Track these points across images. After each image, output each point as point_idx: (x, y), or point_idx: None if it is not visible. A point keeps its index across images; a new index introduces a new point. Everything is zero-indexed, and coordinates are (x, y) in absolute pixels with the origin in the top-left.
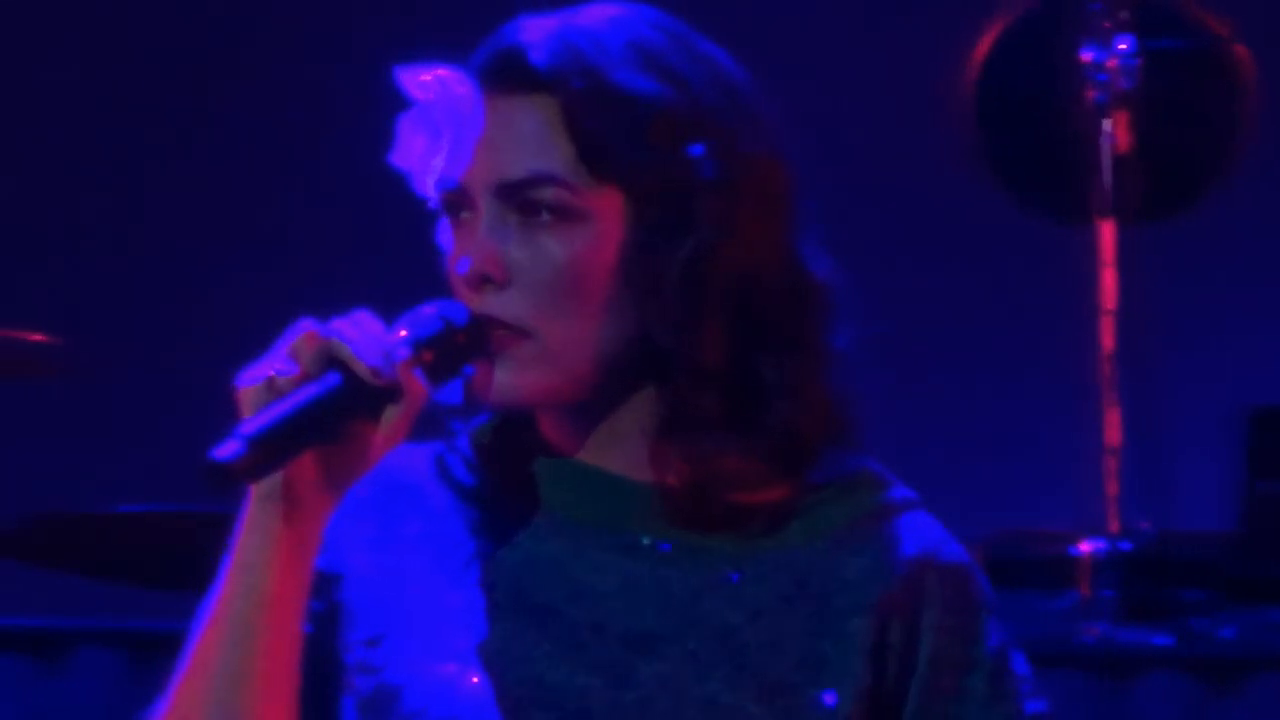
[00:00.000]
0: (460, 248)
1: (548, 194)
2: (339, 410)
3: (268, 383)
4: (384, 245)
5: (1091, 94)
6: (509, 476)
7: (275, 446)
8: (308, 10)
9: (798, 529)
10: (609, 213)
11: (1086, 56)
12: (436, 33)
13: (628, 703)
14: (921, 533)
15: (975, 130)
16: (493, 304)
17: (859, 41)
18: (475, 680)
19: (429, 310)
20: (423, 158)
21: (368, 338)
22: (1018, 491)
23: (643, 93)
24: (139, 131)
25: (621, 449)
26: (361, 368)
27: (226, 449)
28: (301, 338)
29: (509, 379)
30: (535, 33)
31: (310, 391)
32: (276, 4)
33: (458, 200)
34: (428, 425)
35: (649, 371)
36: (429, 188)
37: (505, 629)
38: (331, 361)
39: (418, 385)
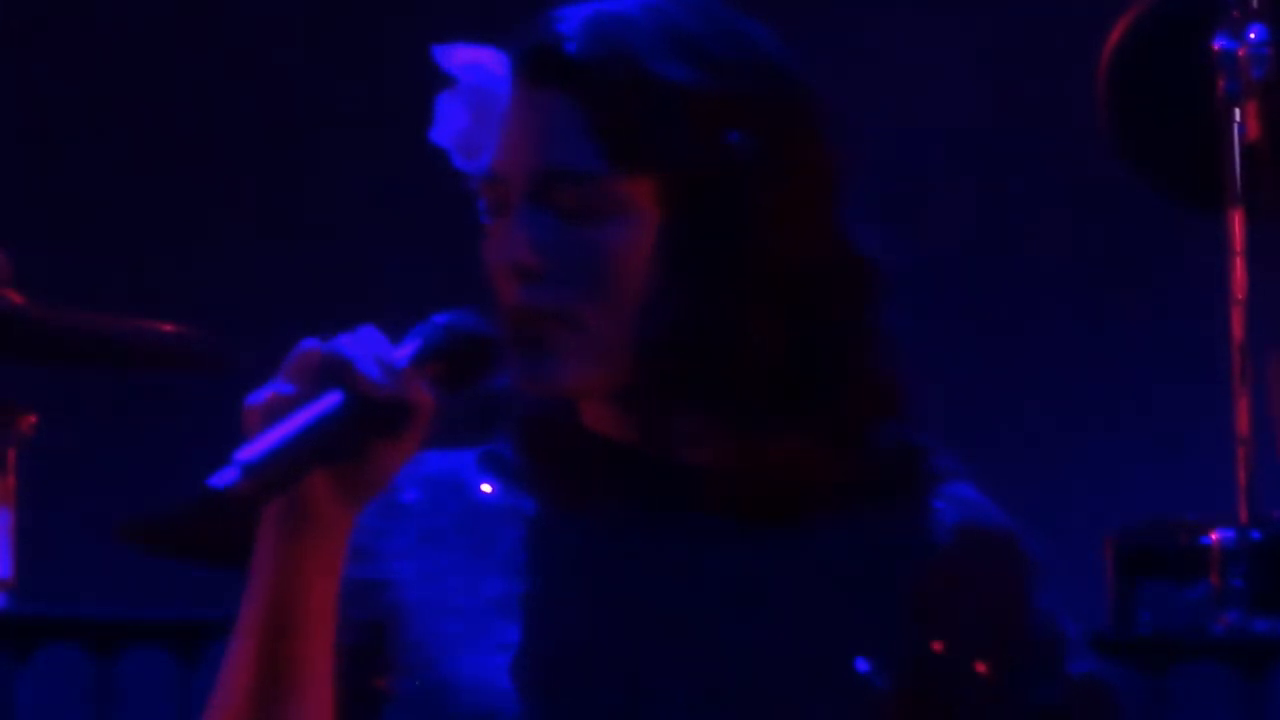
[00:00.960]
0: (496, 238)
1: (581, 186)
2: (342, 428)
3: (269, 404)
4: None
5: (1222, 83)
6: (554, 466)
7: (275, 471)
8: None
9: (844, 503)
10: (645, 202)
11: (1218, 45)
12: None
13: (676, 678)
14: (963, 502)
15: (1107, 118)
16: (531, 295)
17: (994, 28)
18: (521, 669)
19: (438, 320)
20: (460, 137)
21: (369, 353)
22: (1148, 481)
23: (677, 80)
24: (268, 121)
25: (669, 432)
26: (363, 383)
27: (224, 476)
28: (302, 357)
29: (551, 369)
30: (569, 22)
31: (312, 412)
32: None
33: (493, 190)
34: (471, 425)
35: (695, 356)
36: (466, 169)
37: (552, 615)
38: (334, 379)
39: (424, 396)
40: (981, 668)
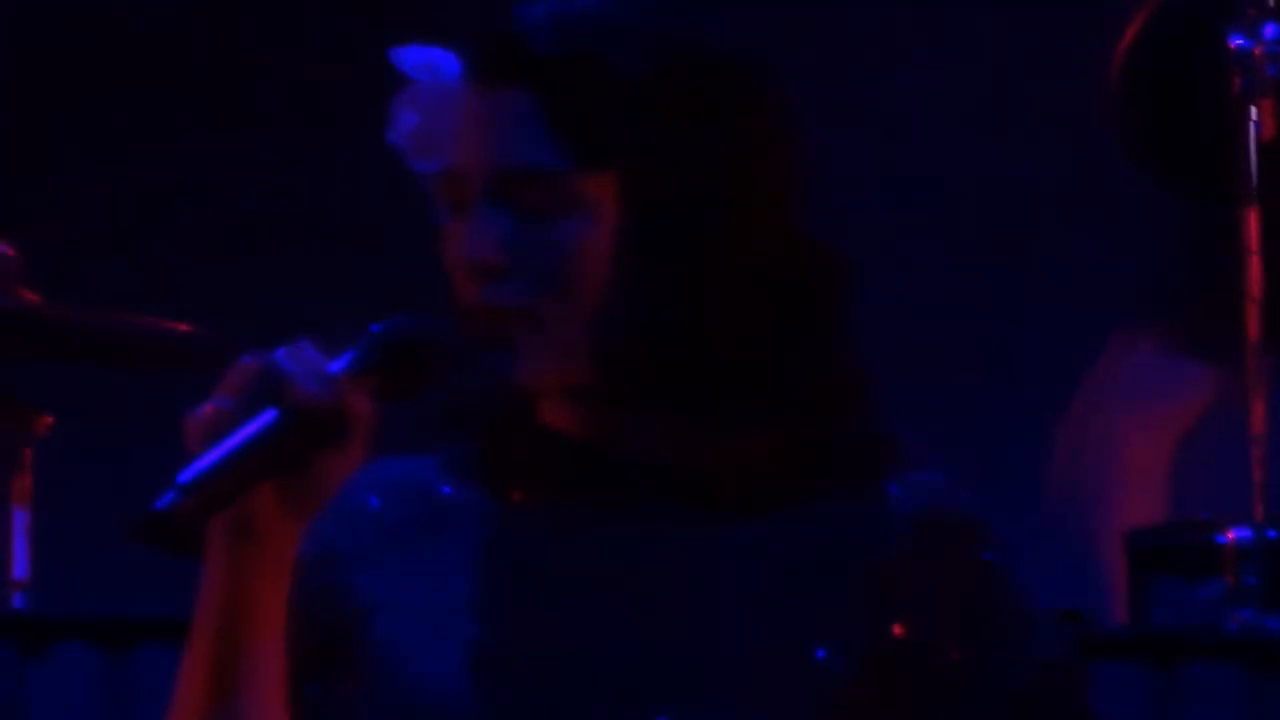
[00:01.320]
0: (456, 237)
1: (542, 184)
2: (280, 441)
3: (208, 421)
4: None
5: (1238, 81)
6: (515, 464)
7: (215, 489)
8: None
9: (805, 494)
10: (607, 199)
11: (1233, 43)
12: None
13: (638, 672)
14: (924, 487)
15: (1121, 115)
16: (492, 293)
17: (1004, 27)
18: (483, 667)
19: (376, 329)
20: (416, 137)
21: (305, 366)
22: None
23: (639, 76)
24: (285, 120)
25: (631, 429)
26: (299, 395)
27: (165, 497)
28: (238, 372)
29: (513, 367)
30: (530, 19)
31: (250, 427)
32: None
33: (452, 188)
34: (433, 428)
35: (657, 352)
36: (423, 169)
37: (513, 613)
38: (271, 393)
39: (363, 405)
40: (946, 652)
